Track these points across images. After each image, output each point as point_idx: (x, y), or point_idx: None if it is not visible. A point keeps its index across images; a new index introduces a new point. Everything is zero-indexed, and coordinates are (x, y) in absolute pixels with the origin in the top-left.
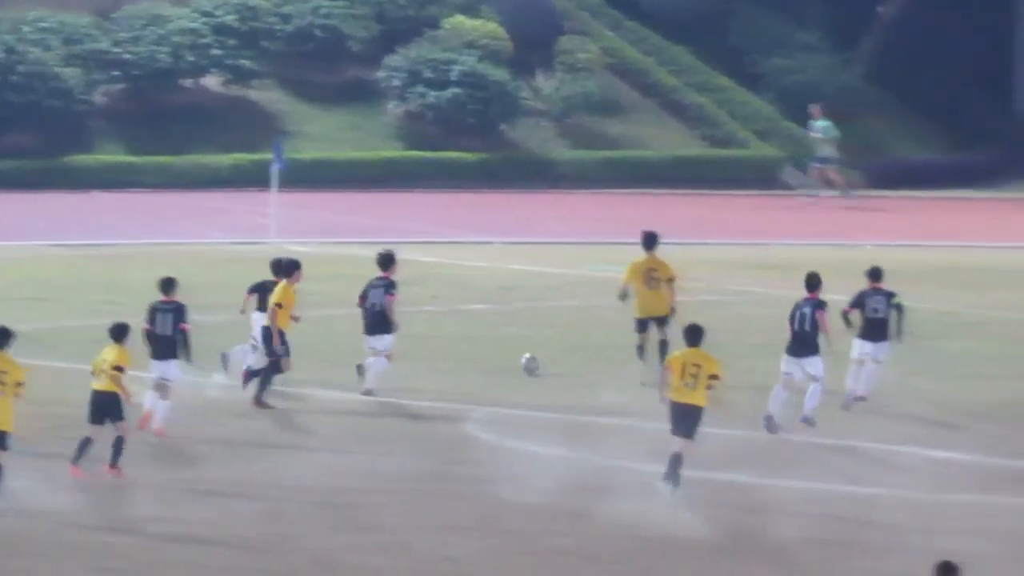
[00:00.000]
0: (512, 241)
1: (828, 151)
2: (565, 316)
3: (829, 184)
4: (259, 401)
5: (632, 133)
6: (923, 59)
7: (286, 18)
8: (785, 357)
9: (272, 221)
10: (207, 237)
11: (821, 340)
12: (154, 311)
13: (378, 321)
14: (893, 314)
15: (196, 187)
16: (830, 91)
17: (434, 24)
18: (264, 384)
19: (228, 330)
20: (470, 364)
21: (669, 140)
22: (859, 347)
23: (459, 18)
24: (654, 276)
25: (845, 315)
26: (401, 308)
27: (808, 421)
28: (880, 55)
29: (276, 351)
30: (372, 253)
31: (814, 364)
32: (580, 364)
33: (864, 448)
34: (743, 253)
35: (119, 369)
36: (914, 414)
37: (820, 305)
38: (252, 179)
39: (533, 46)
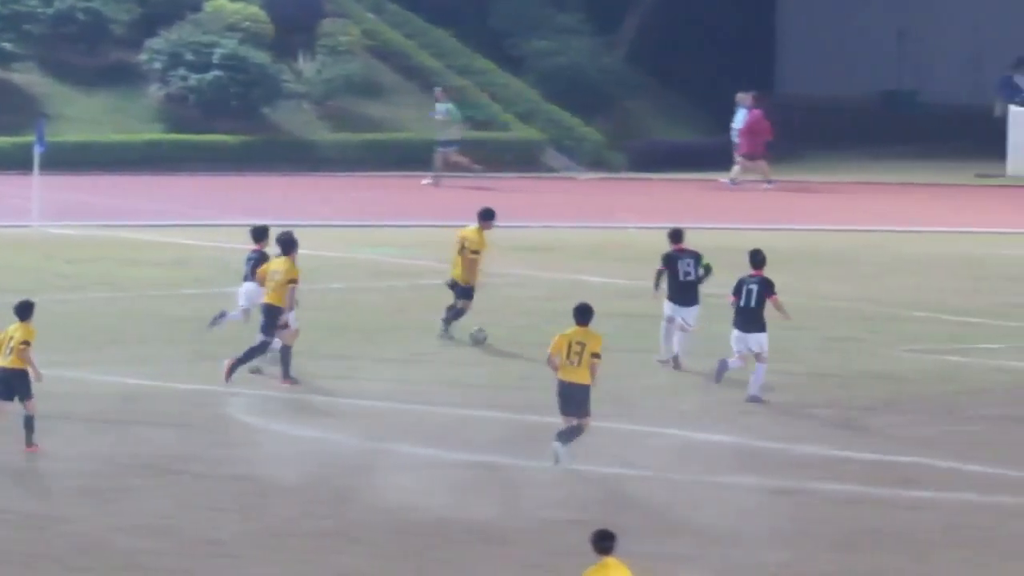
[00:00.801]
0: (274, 224)
1: (451, 134)
2: (329, 298)
3: (453, 167)
4: (288, 378)
5: (394, 116)
6: (685, 42)
7: (48, 1)
8: (734, 334)
9: (34, 204)
10: None
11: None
12: None
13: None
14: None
15: None
16: (592, 73)
17: (196, 7)
18: (285, 362)
19: None
20: (235, 346)
21: (431, 123)
22: (668, 308)
23: (221, 1)
24: (465, 246)
25: (658, 275)
26: (163, 292)
27: (755, 399)
28: (641, 37)
29: (283, 326)
30: (134, 236)
31: (760, 341)
32: (344, 346)
33: (630, 430)
34: (505, 235)
35: (26, 344)
36: (679, 396)
37: (769, 285)
38: (14, 162)
39: (294, 29)
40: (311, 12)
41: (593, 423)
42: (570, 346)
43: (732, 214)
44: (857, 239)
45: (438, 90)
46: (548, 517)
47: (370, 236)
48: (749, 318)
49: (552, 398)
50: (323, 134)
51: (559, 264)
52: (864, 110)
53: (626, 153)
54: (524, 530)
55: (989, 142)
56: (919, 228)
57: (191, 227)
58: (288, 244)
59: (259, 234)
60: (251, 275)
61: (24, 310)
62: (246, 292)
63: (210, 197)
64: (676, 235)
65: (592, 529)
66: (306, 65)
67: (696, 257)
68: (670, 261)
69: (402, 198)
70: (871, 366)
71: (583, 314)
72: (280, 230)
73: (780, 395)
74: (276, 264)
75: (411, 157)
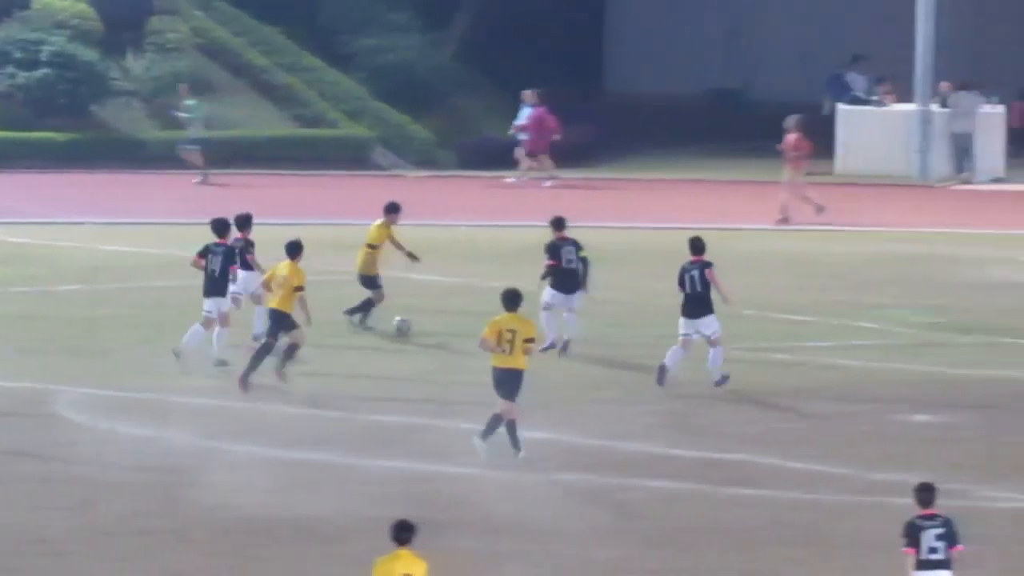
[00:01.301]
0: (103, 221)
1: (196, 132)
2: (156, 296)
3: (194, 165)
4: (280, 374)
5: (223, 114)
6: (514, 40)
7: None
8: (682, 320)
9: None
10: None
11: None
12: None
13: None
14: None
15: None
16: (421, 71)
17: (24, 4)
18: (286, 359)
19: None
20: (60, 345)
21: (260, 120)
22: (550, 295)
23: None
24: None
25: (548, 270)
26: None
27: (721, 382)
28: (471, 35)
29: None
30: None
31: (709, 324)
32: (172, 345)
33: (457, 428)
34: (332, 233)
35: None
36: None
37: (708, 265)
38: None
39: (123, 26)
40: (140, 9)
41: (420, 421)
42: (501, 333)
43: (569, 213)
44: (684, 237)
45: (183, 86)
46: (375, 515)
47: (197, 234)
48: (696, 303)
49: (382, 391)
50: (152, 132)
51: (387, 262)
52: (693, 108)
53: (455, 151)
54: (351, 528)
55: (817, 140)
56: (747, 226)
57: (20, 224)
58: (294, 249)
59: (242, 223)
60: (243, 263)
61: None
62: (243, 280)
63: (40, 195)
64: (558, 223)
65: (419, 526)
66: (135, 63)
67: (576, 245)
68: (554, 249)
69: (229, 196)
70: (699, 363)
71: (511, 300)
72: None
73: (606, 392)
74: (282, 269)
75: (239, 154)
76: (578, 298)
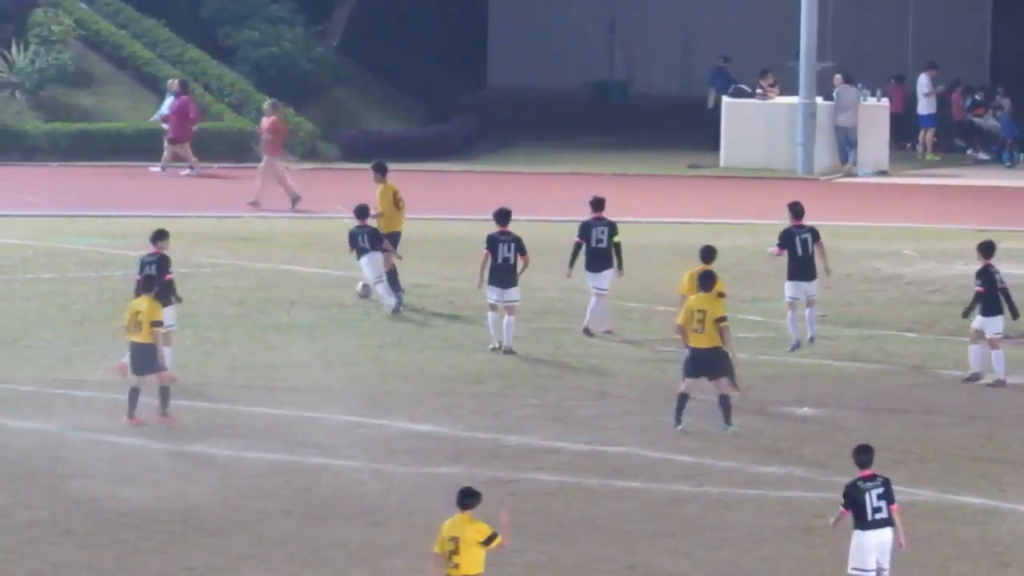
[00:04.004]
0: None
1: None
2: (41, 288)
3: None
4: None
5: (106, 106)
6: (397, 32)
7: None
8: (789, 284)
9: None
10: None
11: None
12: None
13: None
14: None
15: None
16: (303, 64)
17: None
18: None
19: None
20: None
21: (144, 112)
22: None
23: None
24: None
25: (577, 247)
26: None
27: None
28: (353, 28)
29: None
30: None
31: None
32: (55, 336)
33: (341, 421)
34: (217, 225)
35: None
36: (389, 386)
37: (816, 234)
38: None
39: (6, 18)
40: (23, 2)
41: (303, 413)
42: (692, 314)
43: (451, 206)
44: (568, 230)
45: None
46: (258, 507)
47: (81, 226)
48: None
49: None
50: (35, 124)
51: (272, 254)
52: (576, 101)
53: (338, 144)
54: (235, 520)
55: (701, 133)
56: (631, 219)
57: None
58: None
59: (360, 212)
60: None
61: None
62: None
63: None
64: (597, 203)
65: (301, 521)
66: (18, 55)
67: (610, 225)
68: (586, 229)
69: (113, 188)
70: (583, 356)
71: (704, 282)
72: None
73: (489, 385)
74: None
75: (123, 147)
76: (607, 276)
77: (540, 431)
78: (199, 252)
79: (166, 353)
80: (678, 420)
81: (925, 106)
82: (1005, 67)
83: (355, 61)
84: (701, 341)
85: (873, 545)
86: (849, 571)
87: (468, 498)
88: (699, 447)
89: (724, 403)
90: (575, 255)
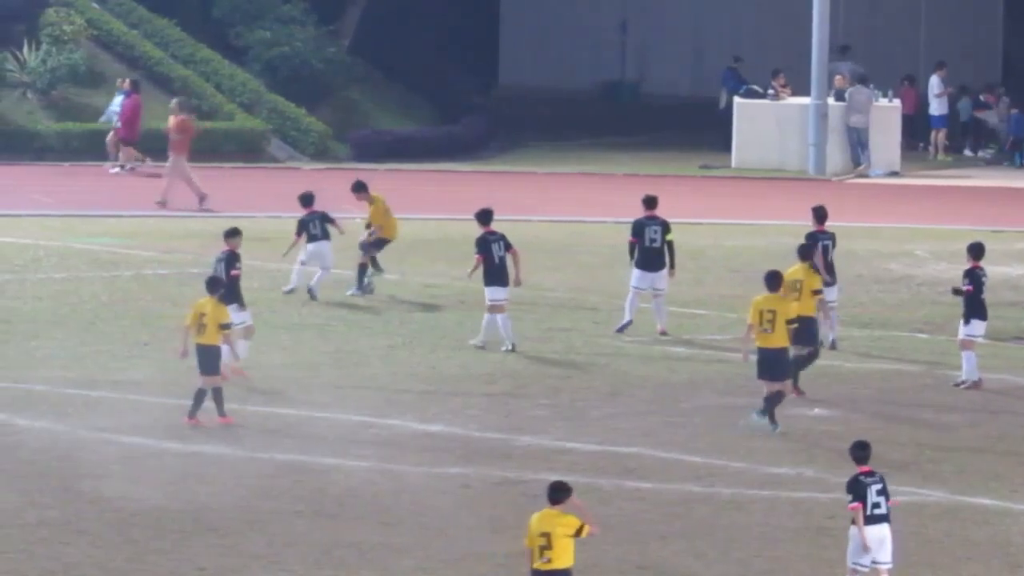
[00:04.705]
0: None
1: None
2: (53, 288)
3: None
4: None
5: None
6: (409, 32)
7: None
8: (639, 273)
9: None
10: None
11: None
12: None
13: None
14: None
15: None
16: (315, 64)
17: None
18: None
19: None
20: None
21: (156, 112)
22: (639, 277)
23: None
24: None
25: (632, 246)
26: None
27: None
28: (365, 28)
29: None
30: None
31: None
32: (69, 335)
33: (352, 421)
34: (228, 225)
35: None
36: (400, 386)
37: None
38: None
39: (18, 18)
40: (35, 1)
41: (315, 413)
42: (762, 314)
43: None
44: (579, 230)
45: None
46: (270, 508)
47: (92, 225)
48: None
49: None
50: (47, 123)
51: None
52: (588, 101)
53: (350, 144)
54: (246, 521)
55: (713, 133)
56: None
57: None
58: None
59: (306, 200)
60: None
61: None
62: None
63: None
64: (650, 202)
65: (312, 521)
66: (30, 54)
67: (663, 223)
68: (639, 227)
69: (124, 187)
70: (594, 357)
71: (772, 281)
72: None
73: (501, 385)
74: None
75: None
76: (663, 275)
77: (551, 431)
78: (211, 252)
79: (242, 347)
80: (772, 423)
81: (936, 107)
82: (1017, 67)
83: (366, 61)
84: (770, 341)
85: (872, 540)
86: (849, 566)
87: (559, 492)
88: (710, 447)
89: (776, 399)
90: (632, 254)
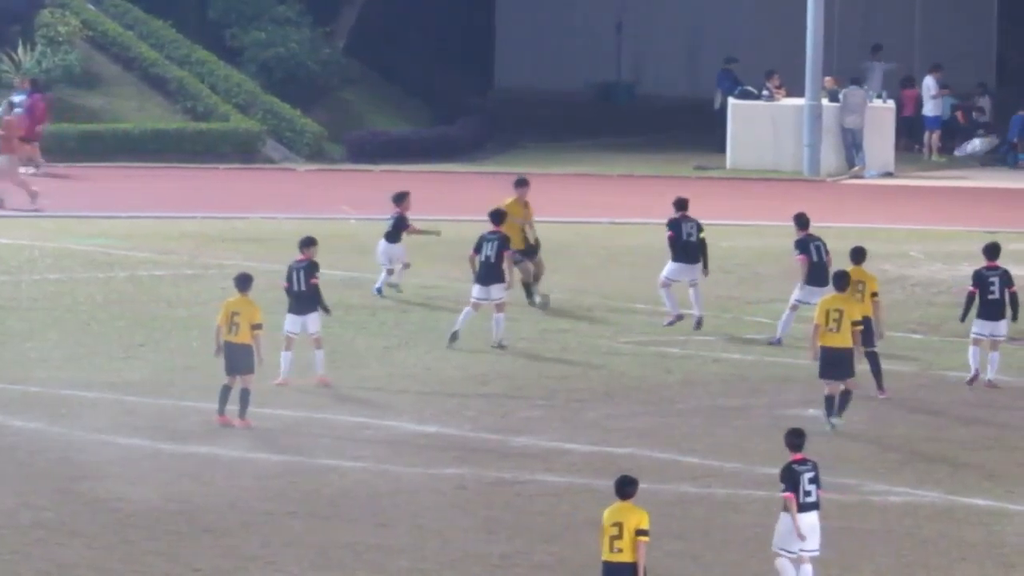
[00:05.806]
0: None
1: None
2: (48, 289)
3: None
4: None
5: (113, 107)
6: (404, 34)
7: None
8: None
9: None
10: None
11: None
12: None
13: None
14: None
15: None
16: (311, 65)
17: None
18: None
19: None
20: None
21: (150, 113)
22: (677, 270)
23: None
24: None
25: (670, 240)
26: None
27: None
28: (360, 29)
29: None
30: None
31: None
32: (64, 337)
33: (349, 422)
34: (223, 226)
35: None
36: (396, 387)
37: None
38: None
39: (13, 19)
40: (30, 2)
41: (311, 415)
42: (828, 313)
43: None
44: (575, 231)
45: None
46: (266, 508)
47: (88, 227)
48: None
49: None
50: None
51: (279, 255)
52: (583, 103)
53: (344, 145)
54: (242, 521)
55: (708, 134)
56: (638, 220)
57: None
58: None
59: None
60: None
61: None
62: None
63: None
64: (681, 203)
65: (308, 522)
66: (25, 55)
67: (697, 224)
68: (676, 225)
69: (120, 188)
70: (590, 357)
71: (840, 281)
72: None
73: (497, 386)
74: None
75: (130, 147)
76: (698, 268)
77: (547, 432)
78: (206, 253)
79: (319, 357)
80: (829, 421)
81: (931, 108)
82: (1011, 69)
83: (362, 62)
84: (835, 341)
85: (804, 528)
86: (775, 551)
87: (628, 486)
88: (705, 448)
89: (845, 398)
90: (673, 249)
